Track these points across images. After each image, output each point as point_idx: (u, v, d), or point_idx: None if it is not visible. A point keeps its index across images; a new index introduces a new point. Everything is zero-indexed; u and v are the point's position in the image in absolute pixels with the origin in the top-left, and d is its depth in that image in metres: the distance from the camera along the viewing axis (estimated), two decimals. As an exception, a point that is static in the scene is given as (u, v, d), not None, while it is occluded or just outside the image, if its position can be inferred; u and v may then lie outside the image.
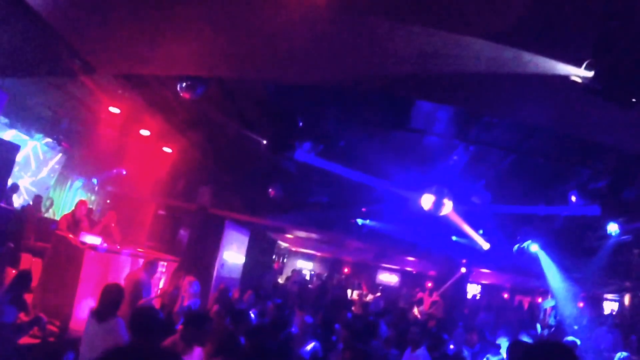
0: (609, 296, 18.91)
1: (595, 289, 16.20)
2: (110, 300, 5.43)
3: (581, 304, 14.82)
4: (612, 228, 10.41)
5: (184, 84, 7.15)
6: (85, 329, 5.45)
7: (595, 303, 17.66)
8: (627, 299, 16.14)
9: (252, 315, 7.84)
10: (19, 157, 10.02)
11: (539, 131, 7.28)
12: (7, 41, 5.53)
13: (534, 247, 12.50)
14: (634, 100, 3.71)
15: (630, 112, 4.01)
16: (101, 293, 5.45)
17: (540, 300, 17.23)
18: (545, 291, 15.63)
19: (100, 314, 5.31)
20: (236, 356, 4.98)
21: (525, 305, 16.92)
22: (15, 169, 10.22)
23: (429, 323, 10.80)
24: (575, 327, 11.13)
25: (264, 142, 9.06)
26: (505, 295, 20.43)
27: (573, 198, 8.74)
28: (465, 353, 8.14)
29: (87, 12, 5.23)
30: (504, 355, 7.55)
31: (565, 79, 4.05)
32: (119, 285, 5.83)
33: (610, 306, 19.03)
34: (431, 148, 8.93)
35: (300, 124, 8.79)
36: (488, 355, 7.27)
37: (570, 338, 8.65)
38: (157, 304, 7.93)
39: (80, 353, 5.30)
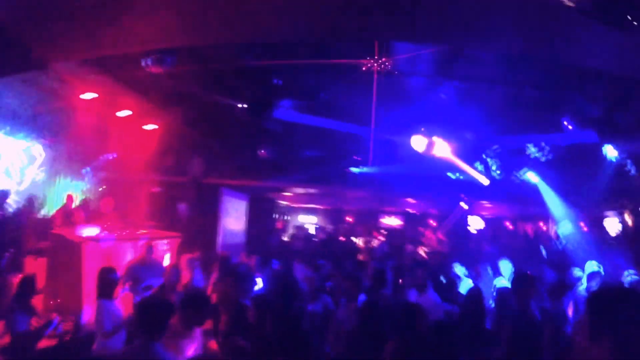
0: (610, 215, 19.05)
1: (595, 211, 16.28)
2: (101, 282, 5.51)
3: (583, 225, 14.90)
4: (610, 152, 10.32)
5: (151, 58, 6.89)
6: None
7: (597, 224, 17.77)
8: (628, 218, 16.20)
9: (260, 281, 7.80)
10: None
11: (528, 61, 7.06)
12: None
13: (532, 176, 12.45)
14: (633, 22, 3.52)
15: (623, 35, 3.83)
16: (97, 275, 5.66)
17: (543, 224, 17.40)
18: (548, 218, 15.73)
19: (98, 293, 5.54)
20: (249, 333, 4.94)
21: (530, 233, 17.00)
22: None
23: (435, 261, 10.83)
24: (579, 250, 11.14)
25: (244, 106, 8.88)
26: (509, 225, 20.48)
27: (568, 126, 8.60)
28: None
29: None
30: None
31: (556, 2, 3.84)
32: (110, 268, 5.91)
33: (612, 226, 19.20)
34: (417, 88, 8.74)
35: (278, 82, 8.56)
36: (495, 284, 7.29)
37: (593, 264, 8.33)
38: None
39: None
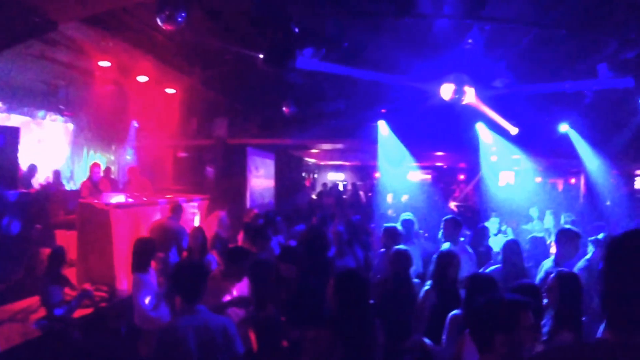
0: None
1: (628, 165, 15.62)
2: (140, 252, 5.44)
3: (614, 180, 14.35)
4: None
5: (163, 15, 6.62)
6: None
7: (628, 179, 17.12)
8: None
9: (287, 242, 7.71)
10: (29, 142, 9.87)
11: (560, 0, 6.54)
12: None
13: (564, 127, 12.00)
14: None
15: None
16: (132, 247, 5.53)
17: (574, 178, 16.87)
18: (578, 171, 15.19)
19: (134, 267, 5.41)
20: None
21: (560, 187, 16.54)
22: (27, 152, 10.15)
23: (465, 214, 10.65)
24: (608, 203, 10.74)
25: (262, 56, 8.56)
26: (538, 179, 19.90)
27: (602, 71, 8.08)
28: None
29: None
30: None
31: None
32: (148, 238, 5.83)
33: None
34: (444, 33, 8.24)
35: (296, 29, 8.19)
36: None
37: None
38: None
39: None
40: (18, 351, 5.29)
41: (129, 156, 12.74)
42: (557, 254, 5.51)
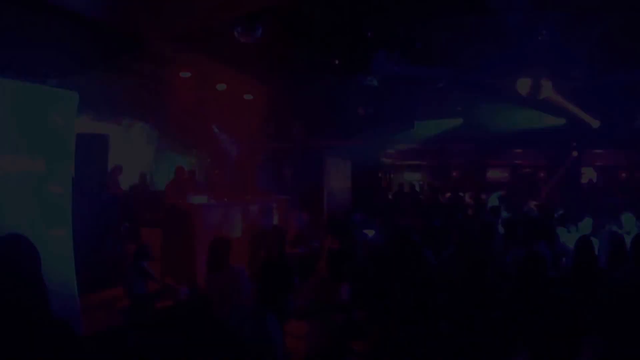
0: None
1: None
2: (216, 253, 5.67)
3: None
4: None
5: (241, 28, 6.89)
6: (207, 284, 5.78)
7: None
8: None
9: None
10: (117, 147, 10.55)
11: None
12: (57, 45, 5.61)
13: None
14: None
15: None
16: (208, 248, 5.72)
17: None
18: None
19: (212, 267, 5.61)
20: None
21: None
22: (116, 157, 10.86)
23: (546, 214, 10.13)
24: None
25: (338, 63, 8.72)
26: (624, 175, 18.47)
27: None
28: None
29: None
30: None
31: None
32: (223, 238, 6.02)
33: None
34: (517, 26, 8.00)
35: (370, 35, 8.28)
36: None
37: None
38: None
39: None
40: (102, 336, 5.71)
41: (209, 159, 13.29)
42: None
